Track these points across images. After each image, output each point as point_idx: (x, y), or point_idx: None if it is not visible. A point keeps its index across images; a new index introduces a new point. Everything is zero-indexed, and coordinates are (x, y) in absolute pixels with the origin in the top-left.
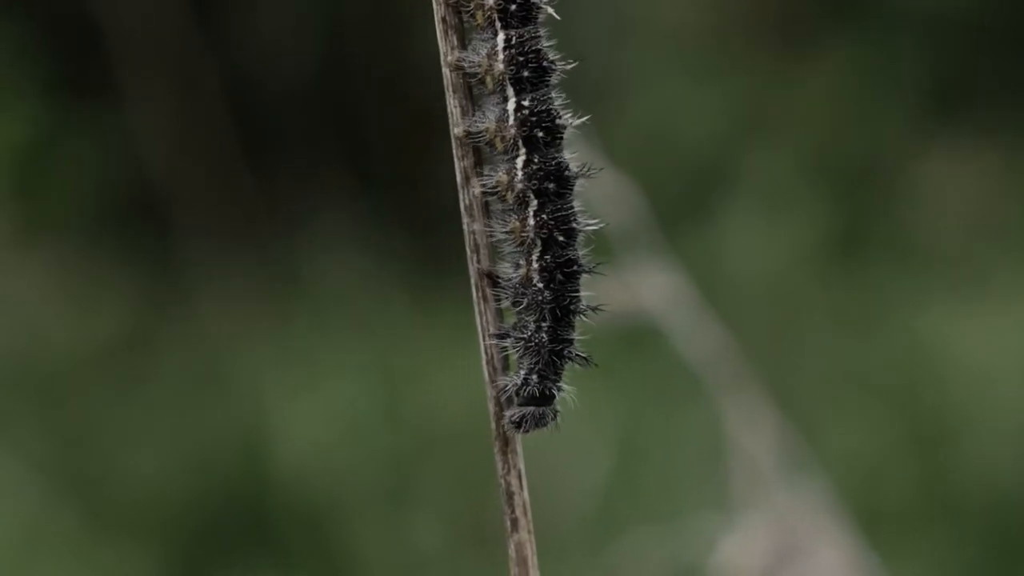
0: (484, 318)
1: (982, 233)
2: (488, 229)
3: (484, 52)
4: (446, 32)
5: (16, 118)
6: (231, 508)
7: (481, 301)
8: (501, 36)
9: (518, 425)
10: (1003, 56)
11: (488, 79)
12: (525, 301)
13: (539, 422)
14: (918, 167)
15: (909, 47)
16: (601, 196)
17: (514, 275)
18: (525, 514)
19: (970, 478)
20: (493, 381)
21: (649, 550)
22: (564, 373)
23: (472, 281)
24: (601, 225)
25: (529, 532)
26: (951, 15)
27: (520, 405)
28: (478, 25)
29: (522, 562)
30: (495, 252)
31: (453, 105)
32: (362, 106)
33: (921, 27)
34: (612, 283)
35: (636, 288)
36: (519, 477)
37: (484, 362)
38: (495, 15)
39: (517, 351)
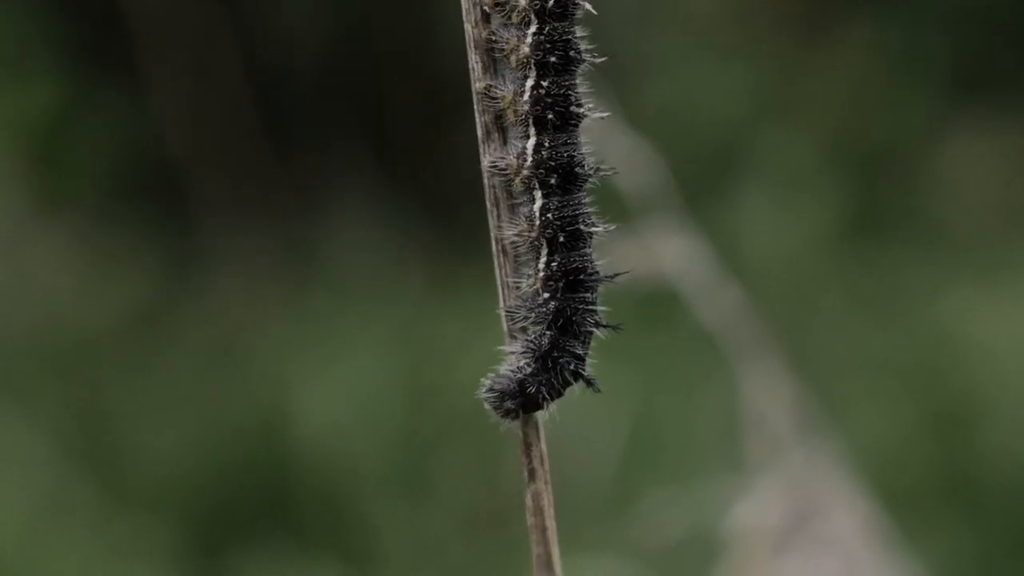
0: (503, 271)
1: (1003, 216)
2: (502, 228)
3: (514, 31)
4: None
5: (37, 92)
6: (248, 484)
7: (500, 255)
8: (533, 27)
9: (489, 390)
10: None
11: (513, 58)
12: (533, 315)
13: (501, 406)
14: (939, 150)
15: (930, 30)
16: (623, 161)
17: (525, 287)
18: (542, 464)
19: (989, 461)
20: (511, 335)
21: (667, 512)
22: (562, 392)
23: (492, 235)
24: (610, 228)
25: (546, 483)
26: None
27: (502, 378)
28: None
29: (539, 512)
30: (516, 259)
31: (474, 61)
32: (381, 83)
33: (943, 10)
34: (632, 247)
35: (656, 252)
36: (536, 428)
37: (503, 316)
38: (531, 12)
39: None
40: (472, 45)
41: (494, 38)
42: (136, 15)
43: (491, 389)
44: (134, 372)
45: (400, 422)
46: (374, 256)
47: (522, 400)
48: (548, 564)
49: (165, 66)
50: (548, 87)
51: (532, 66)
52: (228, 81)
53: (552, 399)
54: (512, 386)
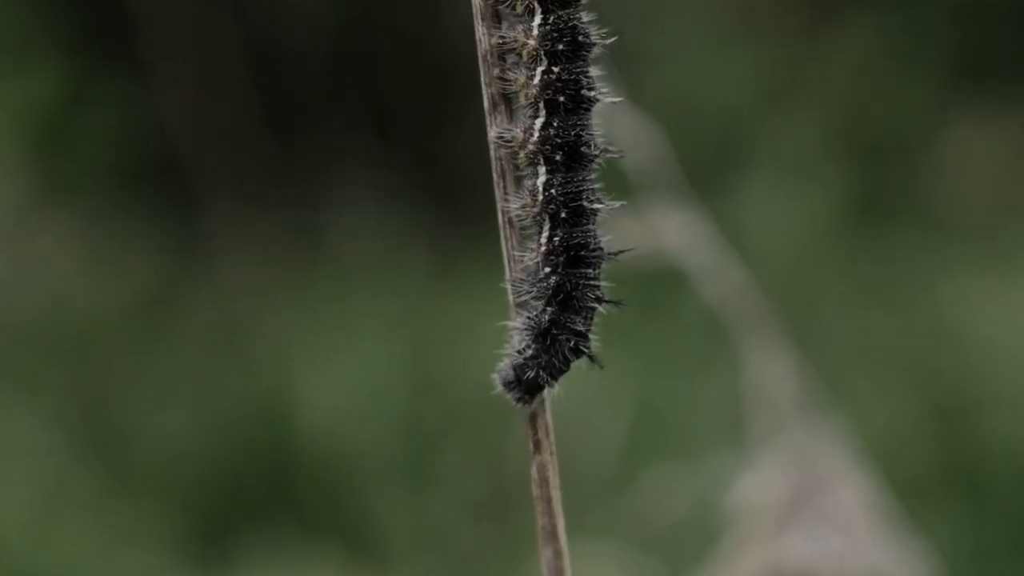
0: (510, 243)
1: (1006, 204)
2: (506, 201)
3: (520, 28)
4: None
5: (41, 79)
6: (252, 471)
7: (507, 227)
8: (538, 17)
9: (500, 383)
10: None
11: (524, 53)
12: (535, 290)
13: (508, 388)
14: (943, 138)
15: (935, 19)
16: (629, 142)
17: (528, 260)
18: (548, 436)
19: (989, 450)
20: (517, 308)
21: (671, 486)
22: (564, 371)
23: (498, 207)
24: (615, 205)
25: (551, 454)
26: None
27: (504, 368)
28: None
29: (544, 483)
30: (522, 231)
31: (481, 32)
32: (385, 70)
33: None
34: (638, 225)
35: (661, 231)
36: (541, 399)
37: (508, 288)
38: (534, 1)
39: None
40: (479, 16)
41: (503, 39)
42: (139, 3)
43: (500, 382)
44: (138, 359)
45: (404, 409)
46: (378, 243)
47: (524, 386)
48: (553, 535)
49: (168, 54)
50: (559, 73)
51: (542, 56)
52: (230, 68)
53: (555, 379)
54: (510, 375)
